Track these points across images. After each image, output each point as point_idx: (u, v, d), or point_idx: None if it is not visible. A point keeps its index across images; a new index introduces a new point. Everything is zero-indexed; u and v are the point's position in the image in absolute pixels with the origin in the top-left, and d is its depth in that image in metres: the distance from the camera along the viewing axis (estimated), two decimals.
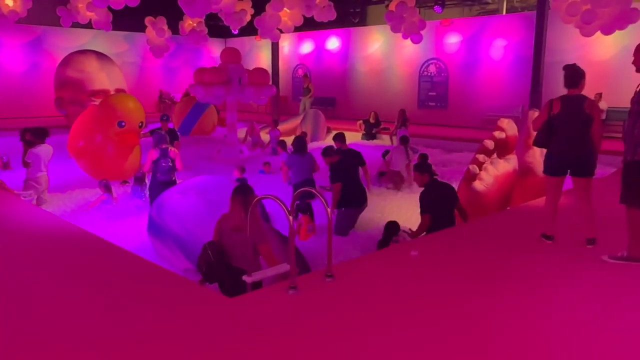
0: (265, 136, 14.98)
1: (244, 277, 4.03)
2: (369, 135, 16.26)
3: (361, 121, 16.59)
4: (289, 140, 10.52)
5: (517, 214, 6.38)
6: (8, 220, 5.77)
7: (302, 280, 3.91)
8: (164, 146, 7.72)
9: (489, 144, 7.08)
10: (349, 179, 7.37)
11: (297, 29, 15.90)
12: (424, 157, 10.28)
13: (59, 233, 5.32)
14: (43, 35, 20.70)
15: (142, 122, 9.66)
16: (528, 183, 7.89)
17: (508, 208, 7.65)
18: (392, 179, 9.76)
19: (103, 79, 16.68)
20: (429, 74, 18.74)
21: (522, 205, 6.89)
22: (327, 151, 7.64)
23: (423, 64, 18.83)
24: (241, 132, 15.89)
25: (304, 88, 19.61)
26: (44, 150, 7.65)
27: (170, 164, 7.75)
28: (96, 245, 4.95)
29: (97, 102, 16.20)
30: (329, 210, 3.74)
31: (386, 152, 10.86)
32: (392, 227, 6.10)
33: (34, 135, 7.77)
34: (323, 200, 3.74)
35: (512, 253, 4.74)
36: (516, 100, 16.59)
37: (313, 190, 3.96)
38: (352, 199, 7.32)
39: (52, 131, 16.67)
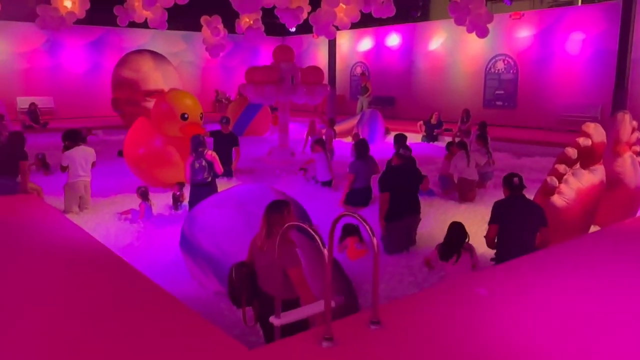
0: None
1: (271, 320, 3.33)
2: (430, 136, 15.26)
3: (422, 122, 15.61)
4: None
5: (611, 236, 5.34)
6: (23, 231, 5.34)
7: (340, 327, 3.15)
8: (200, 149, 7.25)
9: (572, 152, 6.03)
10: (401, 186, 6.51)
11: (355, 25, 15.13)
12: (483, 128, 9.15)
13: (78, 251, 4.81)
14: (104, 36, 20.94)
15: (202, 113, 9.40)
16: (617, 196, 6.77)
17: (595, 227, 6.58)
18: (459, 188, 8.72)
19: (158, 78, 16.55)
20: (497, 71, 17.45)
21: (615, 224, 5.83)
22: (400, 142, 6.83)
23: (490, 60, 17.56)
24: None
25: (361, 87, 18.82)
26: (80, 153, 7.27)
27: (204, 164, 7.24)
28: (113, 267, 4.39)
29: (152, 102, 16.25)
30: (374, 240, 2.99)
31: (450, 144, 9.87)
32: (457, 230, 5.24)
33: (67, 138, 7.41)
34: (368, 227, 2.98)
35: (611, 289, 3.79)
36: (595, 98, 15.10)
37: (355, 216, 3.17)
38: (403, 209, 6.48)
39: (110, 131, 17.05)
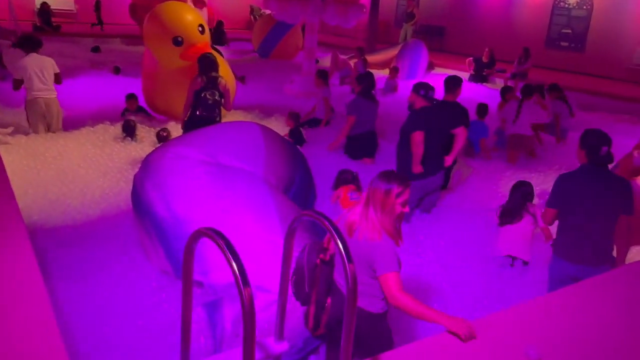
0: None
1: None
2: (479, 76, 13.32)
3: (471, 59, 13.61)
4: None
5: None
6: None
7: None
8: (213, 74, 5.83)
9: None
10: (434, 133, 4.99)
11: None
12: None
13: None
14: None
15: (201, 25, 7.47)
16: None
17: None
18: (520, 146, 7.15)
19: None
20: (567, 5, 15.00)
21: None
22: (419, 88, 5.19)
23: None
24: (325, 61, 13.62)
25: (407, 13, 16.69)
26: (35, 62, 5.95)
27: (217, 96, 5.86)
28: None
29: None
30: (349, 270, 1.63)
31: (506, 90, 8.15)
32: (525, 189, 4.54)
33: (20, 44, 6.05)
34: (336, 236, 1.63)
35: None
36: None
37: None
38: (429, 162, 4.99)
39: (128, 41, 15.63)
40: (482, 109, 6.86)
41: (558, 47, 15.24)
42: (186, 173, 3.89)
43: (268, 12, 21.07)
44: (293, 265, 2.73)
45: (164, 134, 6.70)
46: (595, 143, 3.35)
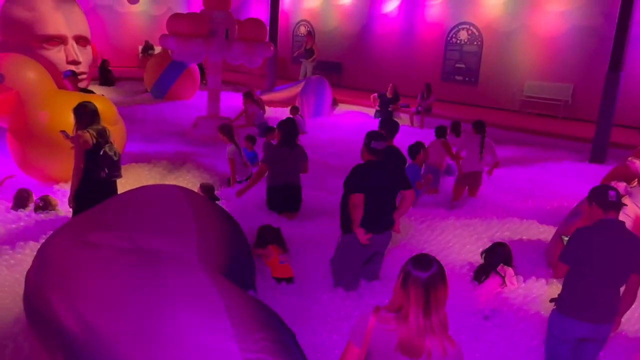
0: None
1: None
2: (385, 112, 13.24)
3: (376, 94, 13.56)
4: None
5: None
6: None
7: None
8: (99, 126, 4.98)
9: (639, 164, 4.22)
10: (378, 189, 4.44)
11: None
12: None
13: None
14: None
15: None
16: None
17: None
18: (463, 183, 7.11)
19: (59, 21, 13.35)
20: (458, 40, 15.61)
21: None
22: (367, 138, 4.53)
23: (451, 29, 15.67)
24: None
25: (305, 49, 16.47)
26: None
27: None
28: None
29: (51, 50, 13.15)
30: None
31: (441, 129, 8.03)
32: (500, 253, 4.52)
33: None
34: None
35: None
36: (568, 78, 13.55)
37: None
38: (374, 221, 4.41)
39: None
40: (415, 150, 6.52)
41: (453, 81, 15.74)
42: (100, 269, 2.96)
43: (159, 47, 20.10)
44: None
45: (41, 204, 5.49)
46: (601, 191, 3.35)
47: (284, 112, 11.86)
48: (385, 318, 2.30)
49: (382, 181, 4.35)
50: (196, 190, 6.36)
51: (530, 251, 5.16)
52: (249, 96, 10.58)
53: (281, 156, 5.83)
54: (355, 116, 13.44)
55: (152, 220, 3.52)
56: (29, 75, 6.81)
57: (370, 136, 4.39)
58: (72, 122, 5.03)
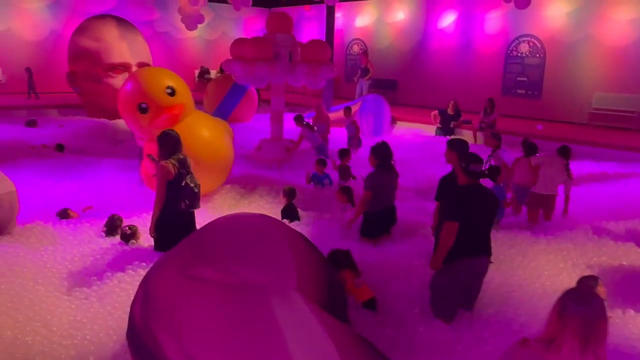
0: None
1: None
2: (446, 129, 12.95)
3: (437, 111, 13.28)
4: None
5: None
6: None
7: None
8: (181, 156, 5.00)
9: None
10: (476, 216, 4.18)
11: None
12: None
13: None
14: None
15: (170, 87, 6.55)
16: None
17: None
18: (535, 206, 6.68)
19: (123, 50, 13.82)
20: (519, 53, 15.16)
21: None
22: (462, 160, 4.30)
23: (512, 42, 15.26)
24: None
25: (361, 68, 16.38)
26: None
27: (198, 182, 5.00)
28: None
29: (116, 77, 13.56)
30: None
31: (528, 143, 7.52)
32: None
33: None
34: None
35: None
36: (636, 91, 12.94)
37: None
38: (472, 248, 4.17)
39: (65, 111, 14.34)
40: (495, 172, 6.23)
41: (515, 94, 15.28)
42: (210, 308, 2.87)
43: (215, 72, 20.47)
44: None
45: (129, 232, 5.51)
46: None
47: (342, 132, 11.77)
48: (536, 348, 2.22)
49: (484, 206, 4.14)
50: (280, 195, 6.63)
51: (637, 280, 4.77)
52: (299, 120, 10.53)
53: (384, 182, 5.82)
54: (416, 134, 13.17)
55: (250, 251, 3.42)
56: (188, 90, 7.09)
57: (469, 158, 4.18)
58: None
